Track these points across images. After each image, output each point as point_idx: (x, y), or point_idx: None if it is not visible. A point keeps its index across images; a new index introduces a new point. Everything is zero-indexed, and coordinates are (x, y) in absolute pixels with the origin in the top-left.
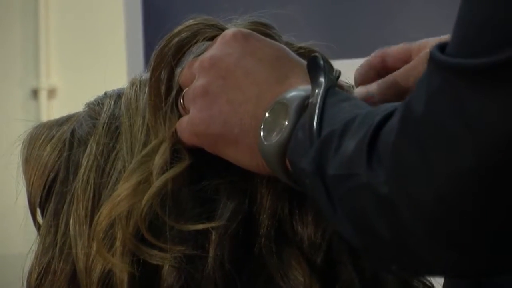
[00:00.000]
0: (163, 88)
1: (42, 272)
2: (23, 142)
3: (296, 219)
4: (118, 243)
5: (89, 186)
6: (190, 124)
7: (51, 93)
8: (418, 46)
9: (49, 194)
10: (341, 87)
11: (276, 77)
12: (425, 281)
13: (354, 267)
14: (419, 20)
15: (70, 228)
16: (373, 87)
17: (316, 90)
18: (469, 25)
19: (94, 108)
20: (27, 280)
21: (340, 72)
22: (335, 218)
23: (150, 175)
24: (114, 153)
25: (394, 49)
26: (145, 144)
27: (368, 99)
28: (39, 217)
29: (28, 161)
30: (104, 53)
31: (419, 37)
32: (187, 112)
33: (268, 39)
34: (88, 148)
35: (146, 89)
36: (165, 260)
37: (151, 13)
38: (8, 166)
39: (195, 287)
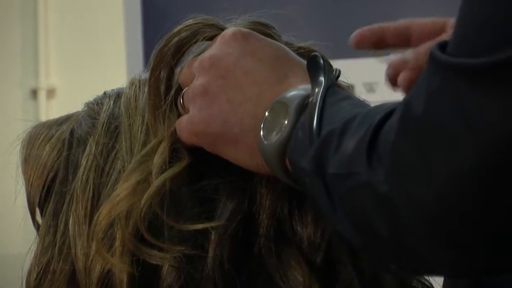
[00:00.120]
0: (162, 87)
1: (41, 272)
2: (22, 141)
3: (295, 219)
4: (117, 243)
5: (89, 186)
6: (190, 123)
7: (50, 93)
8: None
9: (48, 194)
10: (339, 87)
11: (276, 76)
12: (424, 281)
13: (354, 267)
14: None
15: (69, 228)
16: (409, 53)
17: (316, 89)
18: (470, 24)
19: (94, 108)
20: (26, 280)
21: (340, 71)
22: (334, 217)
23: (149, 175)
24: (113, 153)
25: (423, 21)
26: (144, 144)
27: (403, 65)
28: (38, 217)
29: (27, 160)
30: (104, 53)
31: None
32: (186, 111)
33: (268, 39)
34: (88, 147)
35: (146, 89)
36: (164, 260)
37: (150, 13)
38: (7, 166)
39: (194, 287)
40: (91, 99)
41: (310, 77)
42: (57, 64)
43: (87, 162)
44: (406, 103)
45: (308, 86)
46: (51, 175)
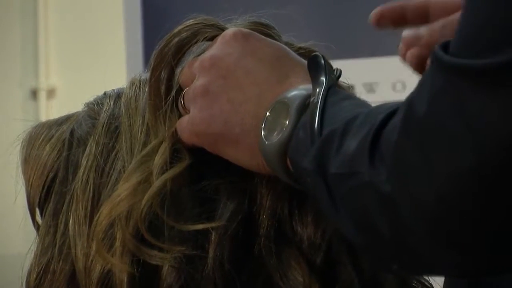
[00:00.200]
0: (163, 88)
1: (41, 272)
2: (22, 142)
3: (295, 220)
4: (117, 243)
5: (89, 186)
6: (191, 123)
7: (50, 93)
8: None
9: (48, 194)
10: (340, 87)
11: (277, 76)
12: (424, 281)
13: (354, 267)
14: None
15: (70, 228)
16: (423, 29)
17: (317, 89)
18: (472, 25)
19: (94, 108)
20: (26, 280)
21: (341, 71)
22: (336, 217)
23: (150, 175)
24: (113, 153)
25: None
26: (145, 144)
27: (415, 41)
28: (38, 217)
29: (27, 161)
30: (104, 53)
31: None
32: (187, 111)
33: (268, 39)
34: (88, 148)
35: (146, 89)
36: (164, 260)
37: (150, 13)
38: (7, 166)
39: (194, 287)
40: (91, 99)
41: (311, 77)
42: (57, 64)
43: (87, 162)
44: (409, 103)
45: (309, 86)
46: (51, 175)
